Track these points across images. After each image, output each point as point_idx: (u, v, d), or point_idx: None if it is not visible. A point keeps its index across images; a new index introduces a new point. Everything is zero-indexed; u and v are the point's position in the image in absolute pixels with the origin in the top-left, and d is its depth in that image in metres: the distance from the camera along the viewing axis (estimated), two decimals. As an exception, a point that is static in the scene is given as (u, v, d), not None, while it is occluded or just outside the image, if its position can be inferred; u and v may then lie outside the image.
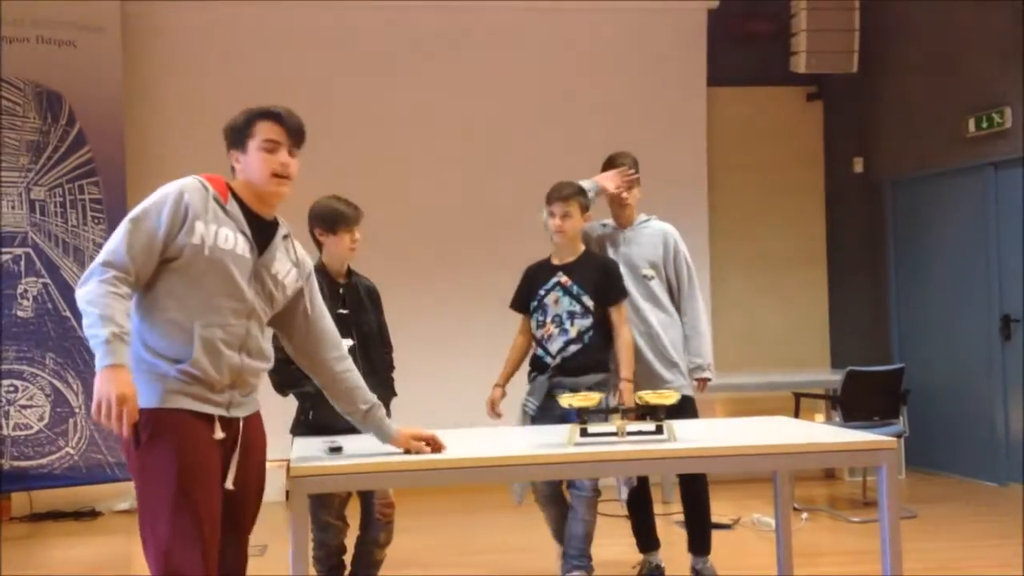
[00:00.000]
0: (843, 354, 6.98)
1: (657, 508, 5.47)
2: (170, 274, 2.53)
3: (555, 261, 4.05)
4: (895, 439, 3.09)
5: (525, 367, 4.13)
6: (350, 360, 2.96)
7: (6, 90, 5.86)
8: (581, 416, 3.10)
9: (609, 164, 4.23)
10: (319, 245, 3.76)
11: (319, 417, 3.60)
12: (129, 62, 6.25)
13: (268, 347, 2.72)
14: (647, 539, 4.26)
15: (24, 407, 5.78)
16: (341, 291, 3.74)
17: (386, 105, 6.64)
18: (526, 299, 4.08)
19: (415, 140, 6.65)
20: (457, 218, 6.66)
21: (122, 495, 6.12)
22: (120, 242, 2.48)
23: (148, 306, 2.53)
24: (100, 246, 6.36)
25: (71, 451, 5.86)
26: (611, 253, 4.16)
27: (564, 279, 3.98)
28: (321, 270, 3.73)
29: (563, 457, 2.99)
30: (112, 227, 6.06)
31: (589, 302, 3.94)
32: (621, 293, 4.00)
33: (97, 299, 2.40)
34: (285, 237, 2.76)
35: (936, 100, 6.65)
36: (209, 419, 2.53)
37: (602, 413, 3.16)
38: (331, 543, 3.77)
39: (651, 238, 4.17)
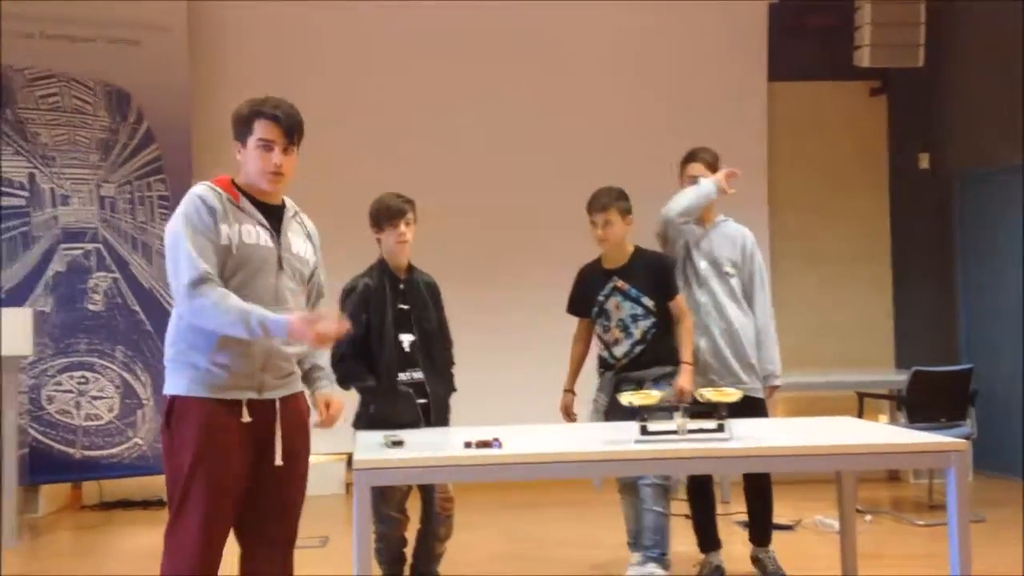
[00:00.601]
0: (908, 354, 6.85)
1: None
2: None
3: (607, 265, 4.09)
4: (965, 440, 3.03)
5: (591, 364, 4.19)
6: None
7: (77, 89, 6.02)
8: (642, 414, 3.09)
9: (690, 158, 4.24)
10: (379, 243, 3.82)
11: (380, 411, 3.65)
12: (195, 60, 6.37)
13: None
14: (708, 539, 4.24)
15: (95, 398, 5.93)
16: (402, 287, 3.78)
17: (453, 101, 6.66)
18: (582, 304, 4.14)
19: (470, 134, 6.67)
20: (514, 215, 6.65)
21: (187, 485, 6.24)
22: (191, 259, 2.62)
23: None
24: (168, 242, 6.46)
25: (139, 441, 6.01)
26: (692, 248, 4.17)
27: (621, 283, 4.03)
28: (383, 267, 3.78)
29: (623, 454, 2.99)
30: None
31: (649, 302, 4.01)
32: (676, 288, 4.07)
33: (219, 311, 2.59)
34: (294, 215, 2.89)
35: (1004, 94, 6.48)
36: (235, 404, 2.67)
37: (665, 411, 3.14)
38: (392, 536, 3.81)
39: (731, 238, 4.21)
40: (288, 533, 2.83)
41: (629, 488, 4.11)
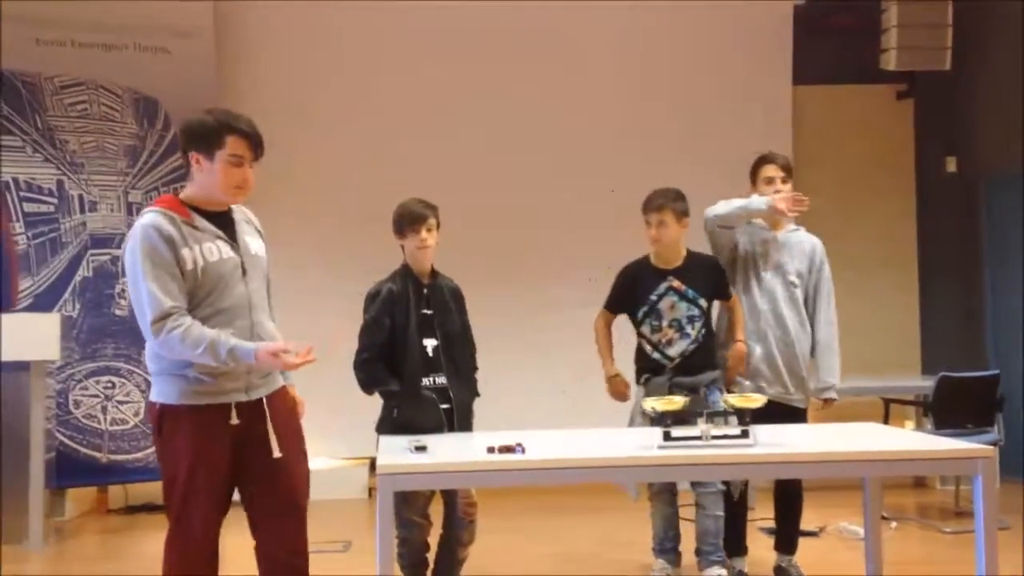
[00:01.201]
0: (934, 359, 6.78)
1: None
2: None
3: (660, 264, 4.06)
4: (992, 447, 3.00)
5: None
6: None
7: (105, 96, 6.09)
8: (665, 420, 3.08)
9: (764, 161, 4.16)
10: (402, 249, 3.83)
11: (404, 415, 3.65)
12: (222, 66, 6.42)
13: (273, 328, 2.94)
14: (736, 544, 4.19)
15: (121, 403, 5.99)
16: (425, 291, 3.78)
17: (472, 103, 6.66)
18: (626, 302, 4.11)
19: (491, 137, 6.67)
20: (538, 218, 6.63)
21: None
22: (151, 297, 2.70)
23: None
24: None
25: (165, 446, 6.05)
26: (757, 254, 4.12)
27: (677, 284, 4.03)
28: (407, 272, 3.79)
29: (646, 460, 2.98)
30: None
31: (704, 303, 4.04)
32: (730, 291, 4.11)
33: (185, 346, 2.68)
34: (240, 214, 2.96)
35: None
36: (224, 408, 2.77)
37: (695, 416, 3.13)
38: (415, 541, 3.82)
39: (801, 248, 4.16)
40: (299, 522, 2.92)
41: (661, 495, 4.09)
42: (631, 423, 4.01)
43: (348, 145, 6.58)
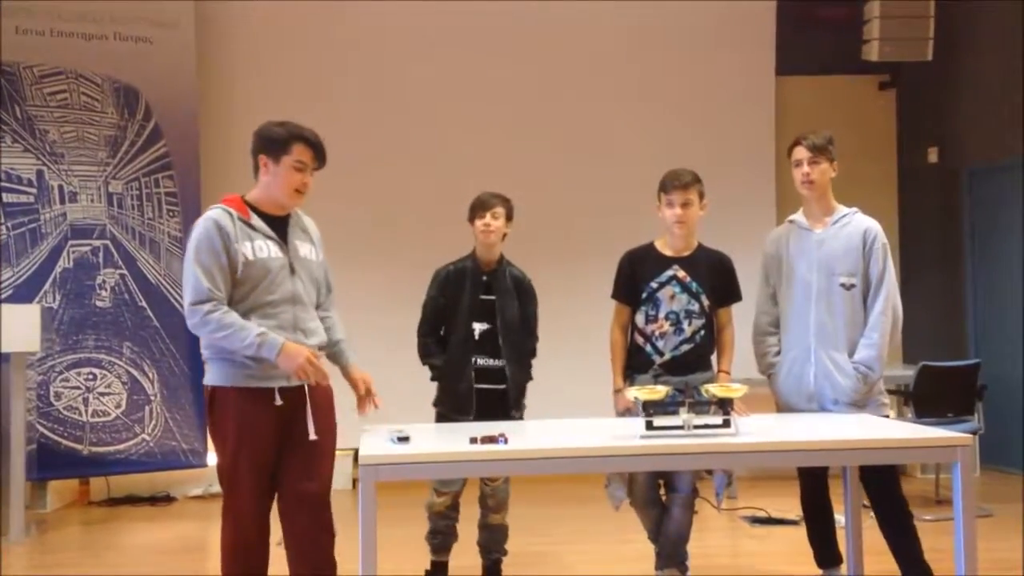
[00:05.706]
0: (916, 349, 6.81)
1: (723, 503, 5.43)
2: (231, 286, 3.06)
3: (667, 252, 3.80)
4: (970, 435, 3.02)
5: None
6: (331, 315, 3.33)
7: (85, 86, 6.03)
8: (647, 409, 3.09)
9: (793, 144, 3.73)
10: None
11: (442, 389, 3.96)
12: (203, 57, 6.38)
13: (318, 324, 3.19)
14: (828, 552, 3.86)
15: (102, 394, 5.95)
16: (485, 278, 3.97)
17: (461, 96, 6.65)
18: (632, 289, 3.81)
19: (486, 131, 6.66)
20: (538, 207, 6.56)
21: (196, 481, 6.27)
22: (196, 280, 2.99)
23: None
24: (175, 239, 6.53)
25: (147, 438, 6.03)
26: (799, 259, 3.71)
27: (681, 274, 3.76)
28: (472, 258, 4.02)
29: (629, 450, 2.99)
30: (187, 220, 6.24)
31: (706, 301, 3.76)
32: (738, 296, 3.86)
33: (219, 326, 2.96)
34: (297, 222, 3.21)
35: (1015, 87, 6.45)
36: (269, 392, 3.01)
37: (673, 406, 3.12)
38: (439, 516, 4.04)
39: (849, 238, 3.68)
40: (321, 490, 3.13)
41: (650, 502, 3.87)
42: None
43: (327, 137, 6.52)
